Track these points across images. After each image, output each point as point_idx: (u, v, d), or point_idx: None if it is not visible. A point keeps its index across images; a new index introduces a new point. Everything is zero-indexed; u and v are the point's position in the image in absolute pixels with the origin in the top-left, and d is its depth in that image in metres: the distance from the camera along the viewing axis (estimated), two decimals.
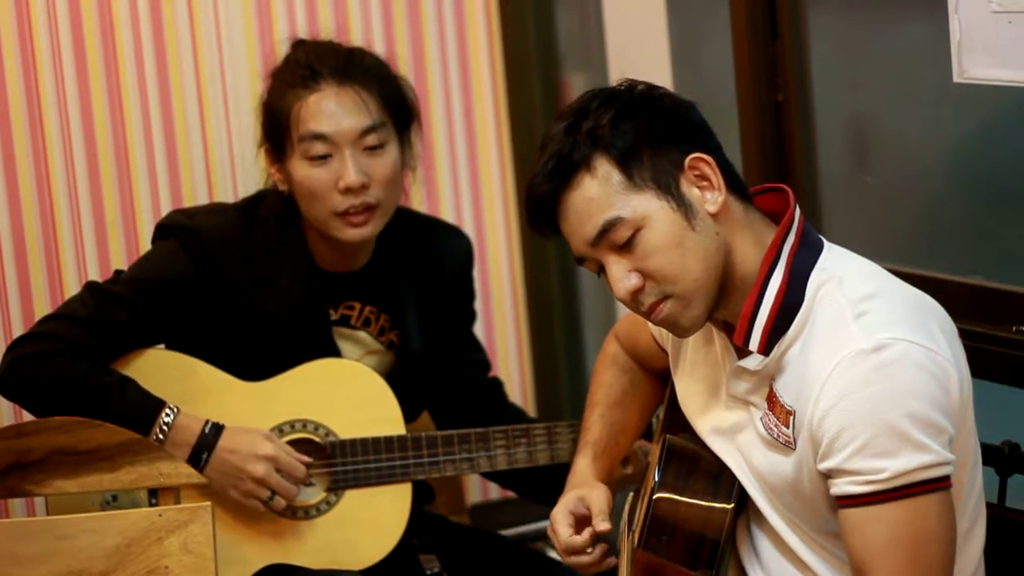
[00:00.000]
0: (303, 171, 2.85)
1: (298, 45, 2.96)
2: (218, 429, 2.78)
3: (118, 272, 2.91)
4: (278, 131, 2.88)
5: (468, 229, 3.69)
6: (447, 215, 3.67)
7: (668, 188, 2.18)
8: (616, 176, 2.17)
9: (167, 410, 2.77)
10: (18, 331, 2.95)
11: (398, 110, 2.90)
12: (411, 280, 3.01)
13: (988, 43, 2.54)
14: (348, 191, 2.83)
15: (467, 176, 3.71)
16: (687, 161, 2.19)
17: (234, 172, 3.46)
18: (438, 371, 3.07)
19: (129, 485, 2.63)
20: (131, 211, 3.38)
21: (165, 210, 3.37)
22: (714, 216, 2.19)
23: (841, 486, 2.11)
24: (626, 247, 2.17)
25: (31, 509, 3.25)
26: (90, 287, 2.85)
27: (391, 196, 2.89)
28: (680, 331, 2.24)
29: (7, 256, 3.27)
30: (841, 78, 3.19)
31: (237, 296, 2.87)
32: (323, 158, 2.84)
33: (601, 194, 2.17)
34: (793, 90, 3.17)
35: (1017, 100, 2.75)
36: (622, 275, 2.19)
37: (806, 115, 3.19)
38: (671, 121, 2.21)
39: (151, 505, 2.71)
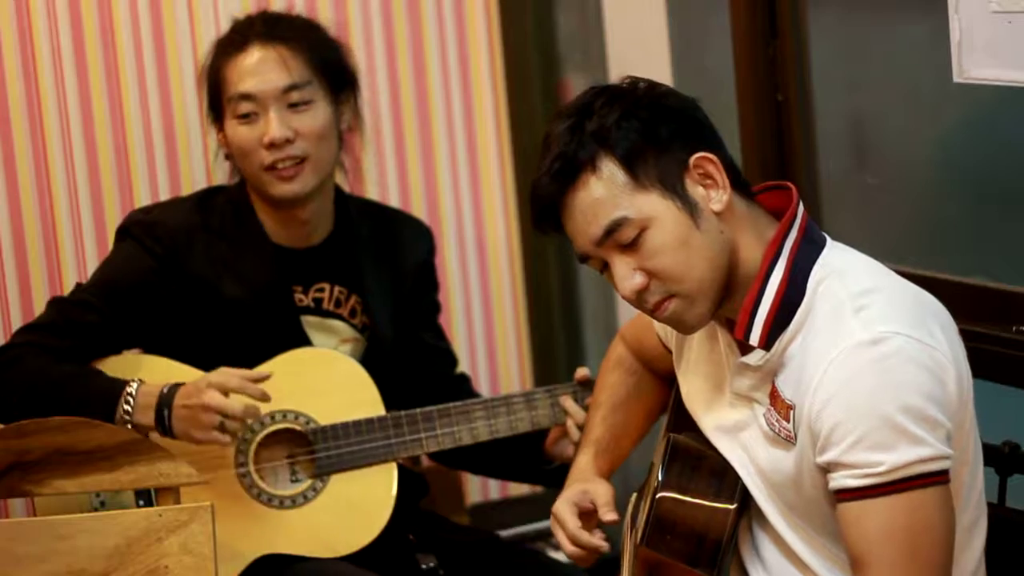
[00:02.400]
0: (233, 130, 2.92)
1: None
2: (176, 386, 2.79)
3: (79, 284, 2.95)
4: (214, 96, 2.96)
5: (468, 229, 3.69)
6: (447, 215, 3.67)
7: (674, 188, 2.18)
8: (621, 176, 2.17)
9: (131, 382, 2.79)
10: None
11: (329, 70, 2.95)
12: (373, 263, 3.03)
13: (988, 43, 2.54)
14: (272, 146, 2.88)
15: (467, 176, 3.71)
16: (692, 160, 2.19)
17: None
18: (406, 359, 3.08)
19: (129, 485, 2.63)
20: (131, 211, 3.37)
21: None
22: (719, 215, 2.19)
23: (839, 479, 2.11)
24: (631, 246, 2.18)
25: (31, 509, 3.24)
26: (53, 300, 2.93)
27: (321, 151, 2.92)
28: (685, 328, 2.24)
29: (7, 256, 3.27)
30: (841, 78, 3.19)
31: (200, 286, 2.90)
32: (249, 116, 2.90)
33: (607, 194, 2.17)
34: (793, 90, 3.18)
35: (1017, 100, 2.75)
36: (627, 274, 2.19)
37: (806, 115, 3.19)
38: (676, 120, 2.21)
39: (139, 507, 2.72)
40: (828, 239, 2.25)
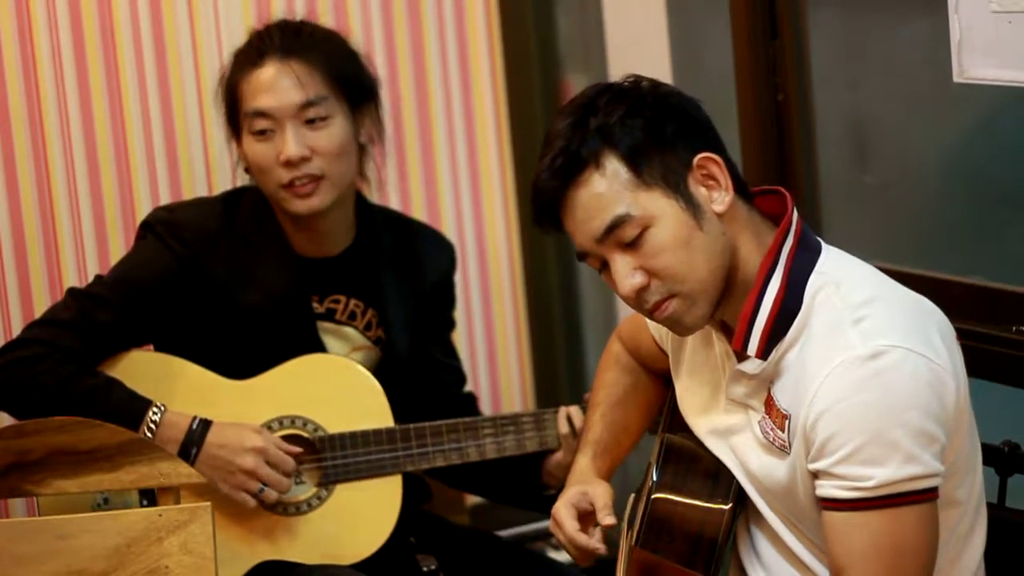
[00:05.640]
0: (250, 146, 2.90)
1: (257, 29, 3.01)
2: (206, 425, 2.78)
3: (99, 276, 2.92)
4: (231, 110, 2.94)
5: (468, 229, 3.69)
6: (447, 215, 3.67)
7: (677, 187, 2.17)
8: (624, 173, 2.17)
9: (154, 408, 2.77)
10: (19, 331, 2.96)
11: (346, 84, 2.92)
12: (394, 276, 3.02)
13: (988, 43, 2.55)
14: (289, 164, 2.85)
15: (467, 176, 3.71)
16: (696, 160, 2.18)
17: (234, 171, 3.45)
18: (417, 374, 3.07)
19: (129, 485, 2.63)
20: (131, 211, 3.38)
21: None
22: (720, 216, 2.19)
23: (827, 488, 2.11)
24: (633, 245, 2.17)
25: (31, 509, 3.24)
26: (72, 292, 2.87)
27: (338, 168, 2.90)
28: (682, 330, 2.24)
29: (7, 256, 3.27)
30: (841, 78, 3.19)
31: (218, 291, 2.88)
32: (265, 132, 2.88)
33: (609, 191, 2.17)
34: (793, 90, 3.18)
35: (1017, 100, 2.75)
36: (627, 273, 2.18)
37: (806, 115, 3.19)
38: (680, 119, 2.20)
39: (142, 506, 2.72)
40: (823, 244, 2.24)
